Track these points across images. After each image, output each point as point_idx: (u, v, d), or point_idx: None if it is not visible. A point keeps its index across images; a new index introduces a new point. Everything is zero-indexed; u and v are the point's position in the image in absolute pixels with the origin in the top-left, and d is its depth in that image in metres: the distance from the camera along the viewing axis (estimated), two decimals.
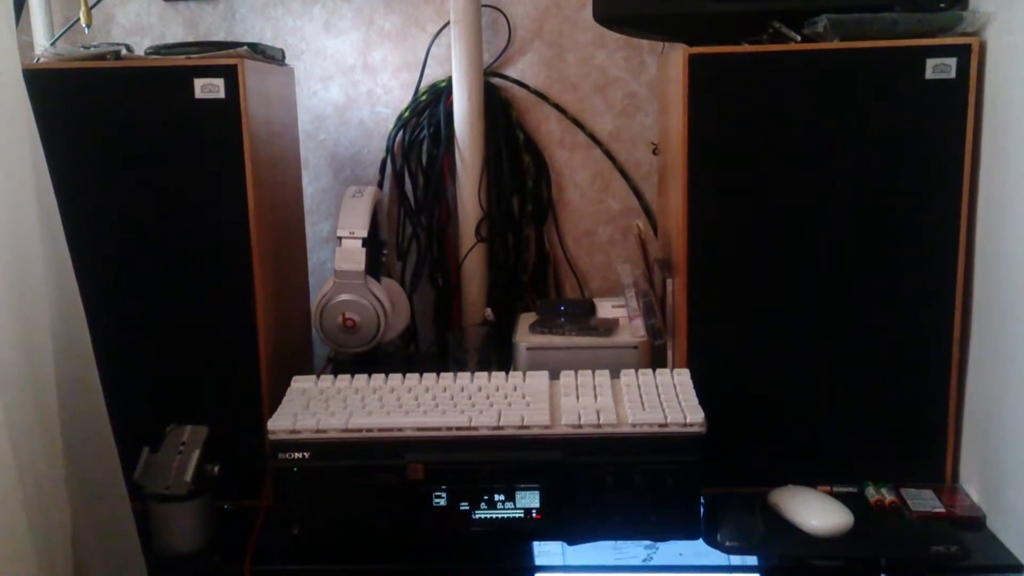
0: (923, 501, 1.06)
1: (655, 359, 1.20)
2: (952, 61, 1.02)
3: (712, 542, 1.00)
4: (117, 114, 1.07)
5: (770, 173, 1.06)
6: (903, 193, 1.06)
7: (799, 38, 1.05)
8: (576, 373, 1.08)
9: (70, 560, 0.89)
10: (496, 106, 1.45)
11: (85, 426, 0.93)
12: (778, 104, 1.05)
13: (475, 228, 1.44)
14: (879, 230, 1.06)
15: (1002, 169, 1.01)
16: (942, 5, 1.05)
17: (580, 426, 0.97)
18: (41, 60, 1.10)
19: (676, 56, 1.08)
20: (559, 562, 1.01)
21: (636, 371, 1.08)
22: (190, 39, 1.46)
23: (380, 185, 1.49)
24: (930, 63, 1.02)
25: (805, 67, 1.04)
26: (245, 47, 1.10)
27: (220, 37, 1.46)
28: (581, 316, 1.28)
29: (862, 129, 1.05)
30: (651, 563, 1.01)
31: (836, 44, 1.03)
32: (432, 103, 1.46)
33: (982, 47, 1.02)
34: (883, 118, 1.04)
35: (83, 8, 1.21)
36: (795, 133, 1.05)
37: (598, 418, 0.97)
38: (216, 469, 1.03)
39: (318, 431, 0.97)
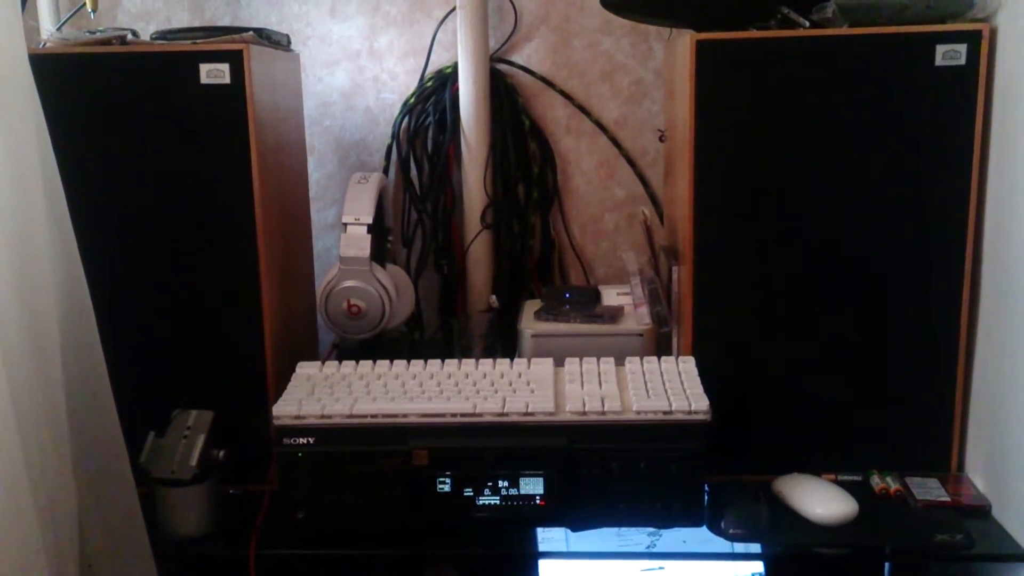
0: (928, 490, 1.06)
1: (660, 347, 1.20)
2: (962, 47, 1.01)
3: (716, 530, 1.01)
4: (122, 99, 1.07)
5: (777, 160, 1.06)
6: (912, 181, 1.05)
7: (808, 24, 1.05)
8: (581, 360, 1.08)
9: (76, 543, 0.89)
10: (502, 92, 1.44)
11: (91, 411, 0.93)
12: (786, 91, 1.04)
13: (480, 215, 1.44)
14: (887, 218, 1.06)
15: (1011, 156, 1.00)
16: None
17: (584, 413, 0.97)
18: (47, 45, 1.10)
19: (683, 42, 1.07)
20: (562, 548, 1.02)
21: (641, 359, 1.08)
22: (196, 24, 1.45)
23: (385, 171, 1.48)
24: (940, 49, 1.02)
25: (813, 53, 1.03)
26: (251, 32, 1.09)
27: (226, 22, 1.45)
28: (586, 303, 1.28)
29: (871, 116, 1.04)
30: (655, 550, 1.01)
31: (845, 30, 1.03)
32: (438, 89, 1.45)
33: (993, 33, 1.01)
34: (892, 105, 1.03)
35: None
36: (803, 120, 1.05)
37: (603, 405, 0.97)
38: (221, 454, 1.04)
39: (323, 417, 0.98)
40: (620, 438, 0.97)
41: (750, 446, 1.11)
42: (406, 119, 1.47)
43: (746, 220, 1.07)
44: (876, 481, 1.08)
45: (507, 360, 1.08)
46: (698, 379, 1.02)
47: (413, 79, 1.47)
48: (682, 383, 1.01)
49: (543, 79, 1.46)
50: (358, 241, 1.21)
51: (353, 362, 1.08)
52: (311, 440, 0.97)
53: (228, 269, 1.10)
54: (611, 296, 1.30)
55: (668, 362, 1.07)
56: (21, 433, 0.79)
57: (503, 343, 1.29)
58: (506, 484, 0.97)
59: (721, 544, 1.00)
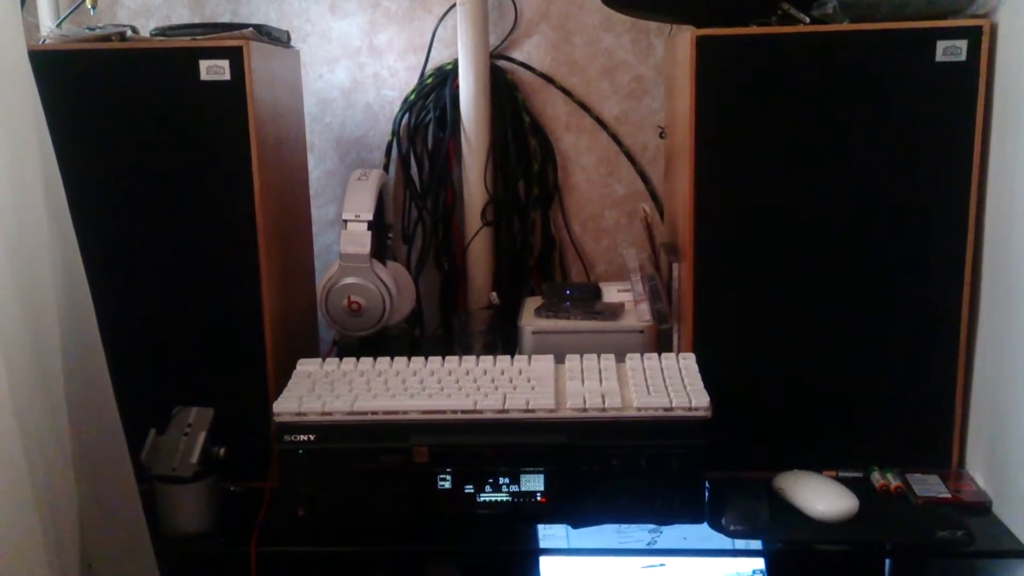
0: (929, 486, 1.06)
1: (661, 343, 1.20)
2: (963, 43, 1.01)
3: (717, 526, 1.01)
4: (122, 96, 1.07)
5: (778, 156, 1.06)
6: (912, 176, 1.05)
7: (808, 20, 1.04)
8: (581, 357, 1.08)
9: (77, 541, 0.89)
10: (502, 89, 1.44)
11: (92, 408, 0.93)
12: (786, 87, 1.04)
13: (481, 212, 1.44)
14: (887, 214, 1.06)
15: (1012, 153, 1.00)
16: None
17: (585, 410, 0.97)
18: (47, 41, 1.10)
19: (683, 38, 1.07)
20: (563, 545, 1.02)
21: (641, 355, 1.08)
22: (195, 20, 1.45)
23: (386, 168, 1.48)
24: (940, 45, 1.01)
25: (814, 49, 1.03)
26: (250, 29, 1.09)
27: (226, 19, 1.45)
28: (587, 300, 1.28)
29: (871, 111, 1.04)
30: (655, 546, 1.01)
31: (845, 26, 1.02)
32: (438, 86, 1.45)
33: (993, 29, 1.01)
34: (893, 101, 1.03)
35: None
36: (803, 116, 1.05)
37: (603, 402, 0.97)
38: (222, 451, 1.04)
39: (324, 413, 0.98)
40: (621, 435, 0.97)
41: (750, 443, 1.11)
42: (406, 116, 1.47)
43: (746, 217, 1.07)
44: (877, 478, 1.08)
45: (508, 357, 1.08)
46: (698, 375, 1.02)
47: (413, 76, 1.47)
48: (682, 379, 1.01)
49: (543, 76, 1.46)
50: (358, 238, 1.20)
51: (354, 359, 1.08)
52: (312, 437, 0.97)
53: (229, 266, 1.10)
54: (611, 293, 1.30)
55: (668, 359, 1.07)
56: (22, 431, 0.80)
57: (504, 340, 1.30)
58: (507, 481, 0.97)
59: (722, 541, 1.00)
